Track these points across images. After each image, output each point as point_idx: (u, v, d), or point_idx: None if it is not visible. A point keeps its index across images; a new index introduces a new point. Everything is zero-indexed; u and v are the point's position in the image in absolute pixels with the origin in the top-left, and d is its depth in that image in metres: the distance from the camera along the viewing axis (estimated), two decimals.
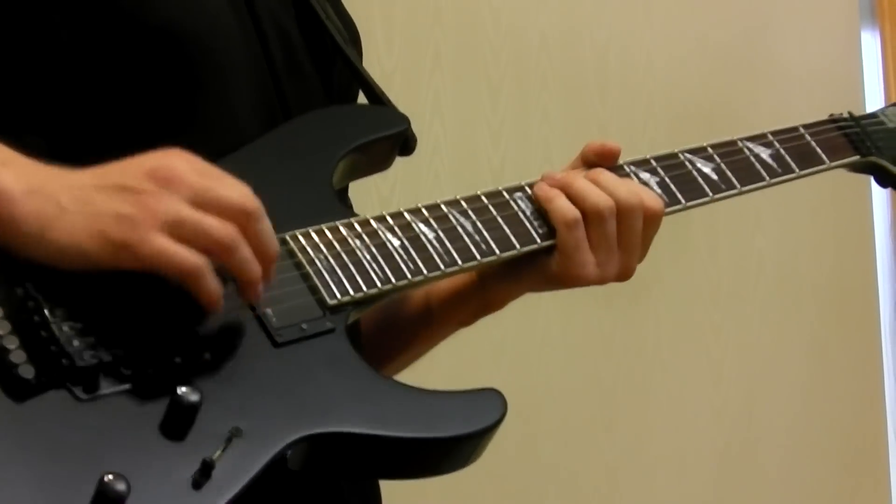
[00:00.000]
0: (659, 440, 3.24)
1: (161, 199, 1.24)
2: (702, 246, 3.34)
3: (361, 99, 1.64)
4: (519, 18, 3.04)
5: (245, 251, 1.27)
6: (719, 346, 3.36)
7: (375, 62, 2.77)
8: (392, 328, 1.62)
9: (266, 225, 1.28)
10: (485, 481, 2.88)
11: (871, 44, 3.69)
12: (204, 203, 1.25)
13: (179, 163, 1.26)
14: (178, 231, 1.24)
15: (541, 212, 1.51)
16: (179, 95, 1.41)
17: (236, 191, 1.27)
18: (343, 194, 1.49)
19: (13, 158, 1.25)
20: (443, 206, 1.47)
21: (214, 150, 1.40)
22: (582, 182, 1.51)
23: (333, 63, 1.61)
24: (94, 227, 1.23)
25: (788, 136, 1.68)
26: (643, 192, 1.52)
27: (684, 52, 3.32)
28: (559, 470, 3.06)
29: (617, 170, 1.56)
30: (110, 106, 1.39)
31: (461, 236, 1.46)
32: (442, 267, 1.43)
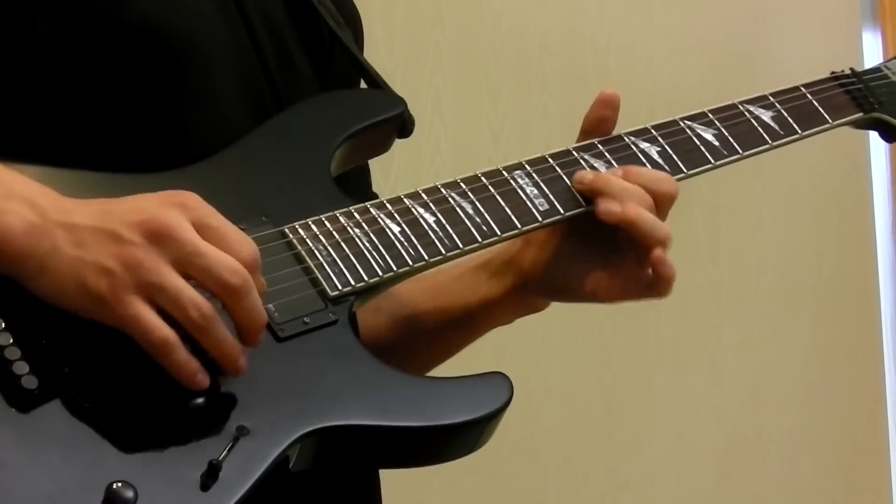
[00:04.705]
0: (659, 440, 3.24)
1: (145, 258, 1.21)
2: (702, 246, 3.33)
3: (361, 84, 1.62)
4: (519, 19, 3.04)
5: (217, 332, 1.23)
6: (719, 346, 3.36)
7: (376, 62, 2.76)
8: (429, 334, 1.60)
9: (251, 300, 1.24)
10: (485, 482, 2.87)
11: (871, 44, 3.69)
12: (189, 268, 1.22)
13: (176, 216, 1.23)
14: (155, 297, 1.22)
15: (541, 189, 1.50)
16: (165, 94, 1.40)
17: (225, 261, 1.23)
18: (343, 181, 1.47)
19: (15, 187, 1.23)
20: (442, 189, 1.45)
21: (204, 148, 1.40)
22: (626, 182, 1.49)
23: (331, 50, 1.59)
24: (78, 272, 1.21)
25: (789, 97, 1.64)
26: (662, 180, 1.51)
27: (684, 52, 3.32)
28: (559, 471, 3.06)
29: (615, 140, 1.54)
30: (95, 108, 1.37)
31: (462, 219, 1.44)
32: (443, 251, 1.42)
